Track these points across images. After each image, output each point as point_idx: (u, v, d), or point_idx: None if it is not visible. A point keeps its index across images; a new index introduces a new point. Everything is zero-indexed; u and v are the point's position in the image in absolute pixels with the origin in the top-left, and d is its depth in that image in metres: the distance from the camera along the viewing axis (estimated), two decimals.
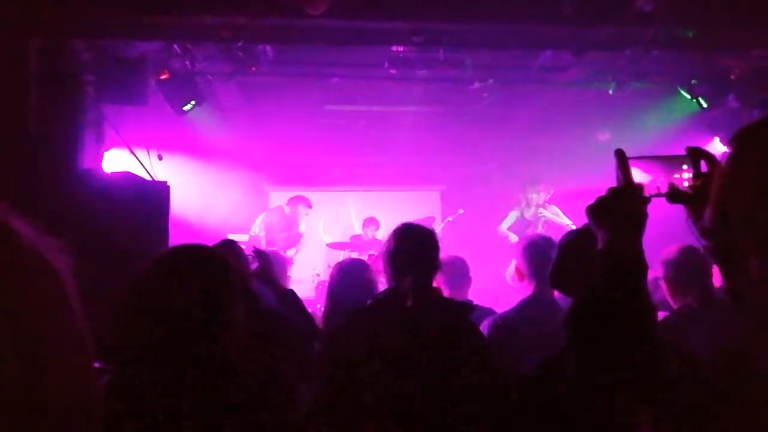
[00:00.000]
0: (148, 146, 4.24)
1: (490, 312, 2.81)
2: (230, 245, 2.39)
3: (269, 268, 2.56)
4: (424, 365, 1.84)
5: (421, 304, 1.96)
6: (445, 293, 2.96)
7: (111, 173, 3.90)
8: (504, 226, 6.26)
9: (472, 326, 2.07)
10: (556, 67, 4.77)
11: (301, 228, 6.27)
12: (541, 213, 6.01)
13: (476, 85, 4.70)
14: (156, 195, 3.58)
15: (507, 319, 2.55)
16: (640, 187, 0.93)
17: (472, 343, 1.98)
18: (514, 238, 6.02)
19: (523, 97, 5.46)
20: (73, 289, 0.56)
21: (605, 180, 0.99)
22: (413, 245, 2.06)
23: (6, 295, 0.51)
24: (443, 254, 3.09)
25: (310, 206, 6.32)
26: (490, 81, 4.71)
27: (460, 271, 3.03)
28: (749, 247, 0.73)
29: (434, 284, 2.12)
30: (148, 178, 3.93)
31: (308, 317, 2.50)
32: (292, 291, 2.64)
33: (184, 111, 4.32)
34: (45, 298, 0.54)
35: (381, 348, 1.86)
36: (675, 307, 2.45)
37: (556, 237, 2.80)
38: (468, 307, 2.16)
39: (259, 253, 2.60)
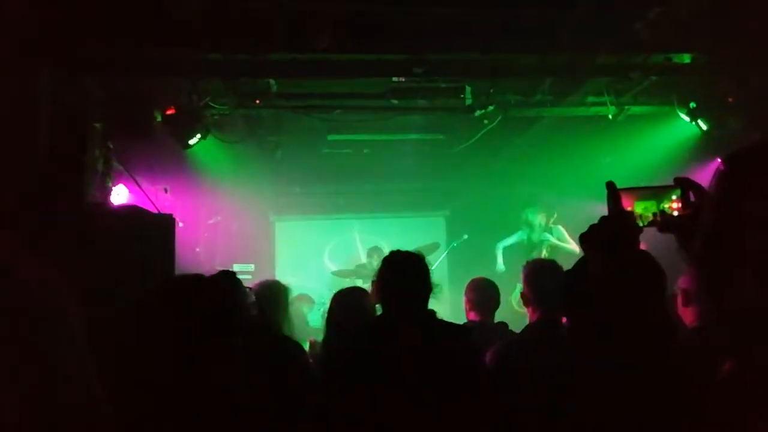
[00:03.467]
0: (154, 180, 4.31)
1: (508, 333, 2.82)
2: (228, 276, 2.41)
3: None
4: (410, 393, 1.84)
5: (414, 329, 1.97)
6: (474, 316, 2.99)
7: (118, 207, 3.96)
8: (502, 244, 6.28)
9: (466, 349, 2.07)
10: (556, 93, 4.85)
11: (311, 320, 6.15)
12: (544, 238, 6.03)
13: (477, 112, 4.76)
14: (162, 228, 3.63)
15: (513, 344, 2.54)
16: (632, 216, 0.96)
17: (464, 366, 1.98)
18: (500, 267, 6.10)
19: (524, 123, 5.53)
20: (81, 329, 0.58)
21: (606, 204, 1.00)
22: (398, 273, 2.09)
23: (18, 339, 0.53)
24: (470, 277, 3.11)
25: (311, 302, 6.26)
26: (491, 108, 4.78)
27: (488, 294, 3.04)
28: (745, 272, 0.74)
29: (430, 306, 2.12)
30: (154, 211, 3.99)
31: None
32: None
33: (190, 145, 4.40)
34: (55, 341, 0.56)
35: (368, 377, 1.86)
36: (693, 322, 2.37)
37: (561, 260, 2.81)
38: (462, 330, 2.16)
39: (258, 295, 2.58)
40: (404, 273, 2.09)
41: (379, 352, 1.92)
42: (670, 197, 0.96)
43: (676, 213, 0.96)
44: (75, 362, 0.60)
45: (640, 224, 0.96)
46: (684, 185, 0.96)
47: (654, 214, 0.96)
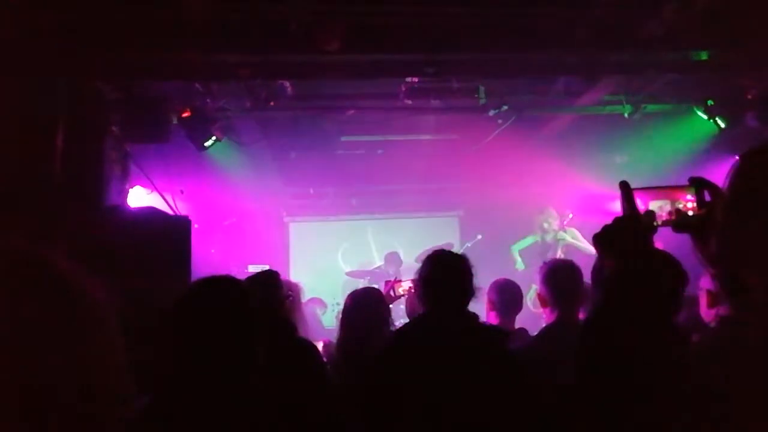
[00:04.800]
0: (170, 182, 4.35)
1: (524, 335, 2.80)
2: (270, 276, 2.43)
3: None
4: (462, 389, 1.84)
5: (457, 329, 1.97)
6: (494, 317, 2.97)
7: (135, 209, 4.01)
8: (517, 247, 6.24)
9: (507, 352, 2.07)
10: (570, 92, 4.81)
11: (324, 321, 6.16)
12: (560, 237, 5.99)
13: (491, 112, 4.75)
14: (178, 229, 3.67)
15: (531, 346, 2.52)
16: (647, 216, 0.95)
17: (508, 369, 1.98)
18: (520, 265, 6.07)
19: (539, 122, 5.49)
20: (115, 322, 0.60)
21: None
22: (448, 272, 2.07)
23: (57, 331, 0.54)
24: (484, 277, 3.10)
25: (323, 306, 6.27)
26: (505, 108, 4.76)
27: (511, 295, 3.00)
28: (751, 268, 0.74)
29: (472, 309, 2.12)
30: (170, 213, 4.03)
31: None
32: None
33: (205, 147, 4.44)
34: (92, 333, 0.57)
35: (420, 372, 1.87)
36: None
37: (576, 260, 2.79)
38: (503, 333, 2.16)
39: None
40: (451, 272, 2.07)
41: (421, 351, 1.92)
42: (685, 197, 0.96)
43: (691, 213, 0.95)
44: (115, 361, 0.61)
45: (655, 224, 0.95)
46: (699, 185, 0.95)
47: (669, 214, 0.96)
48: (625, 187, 0.95)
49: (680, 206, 0.95)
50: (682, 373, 0.88)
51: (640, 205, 0.95)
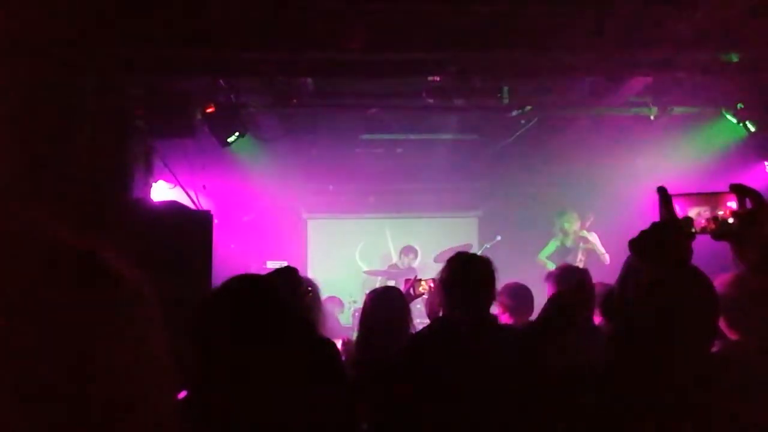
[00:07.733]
0: (193, 177, 4.39)
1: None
2: (290, 272, 2.44)
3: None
4: (482, 393, 1.84)
5: (477, 333, 1.97)
6: (507, 318, 2.99)
7: (158, 202, 4.06)
8: (543, 254, 6.18)
9: (529, 354, 2.06)
10: (595, 92, 4.74)
11: (342, 319, 6.16)
12: (582, 240, 5.92)
13: (514, 113, 4.70)
14: (200, 223, 3.70)
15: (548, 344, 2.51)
16: (685, 223, 0.93)
17: (529, 370, 1.97)
18: (551, 266, 5.96)
19: (562, 123, 5.43)
20: (160, 317, 0.60)
21: (644, 207, 0.98)
22: (471, 274, 2.06)
23: (110, 324, 0.55)
24: (503, 279, 3.11)
25: (341, 305, 6.29)
26: (528, 108, 4.71)
27: (523, 298, 3.07)
28: None
29: (493, 312, 2.12)
30: (192, 207, 4.07)
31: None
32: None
33: (228, 143, 4.47)
34: (143, 326, 0.58)
35: (440, 376, 1.87)
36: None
37: (596, 265, 2.77)
38: (523, 334, 2.15)
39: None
40: (474, 275, 2.06)
41: (444, 354, 1.92)
42: (725, 204, 0.93)
43: (731, 220, 0.92)
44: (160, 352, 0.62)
45: (693, 231, 0.93)
46: (740, 192, 0.92)
47: (707, 221, 0.93)
48: (663, 192, 0.92)
49: (720, 213, 0.92)
50: (708, 385, 0.86)
51: (678, 211, 0.92)
